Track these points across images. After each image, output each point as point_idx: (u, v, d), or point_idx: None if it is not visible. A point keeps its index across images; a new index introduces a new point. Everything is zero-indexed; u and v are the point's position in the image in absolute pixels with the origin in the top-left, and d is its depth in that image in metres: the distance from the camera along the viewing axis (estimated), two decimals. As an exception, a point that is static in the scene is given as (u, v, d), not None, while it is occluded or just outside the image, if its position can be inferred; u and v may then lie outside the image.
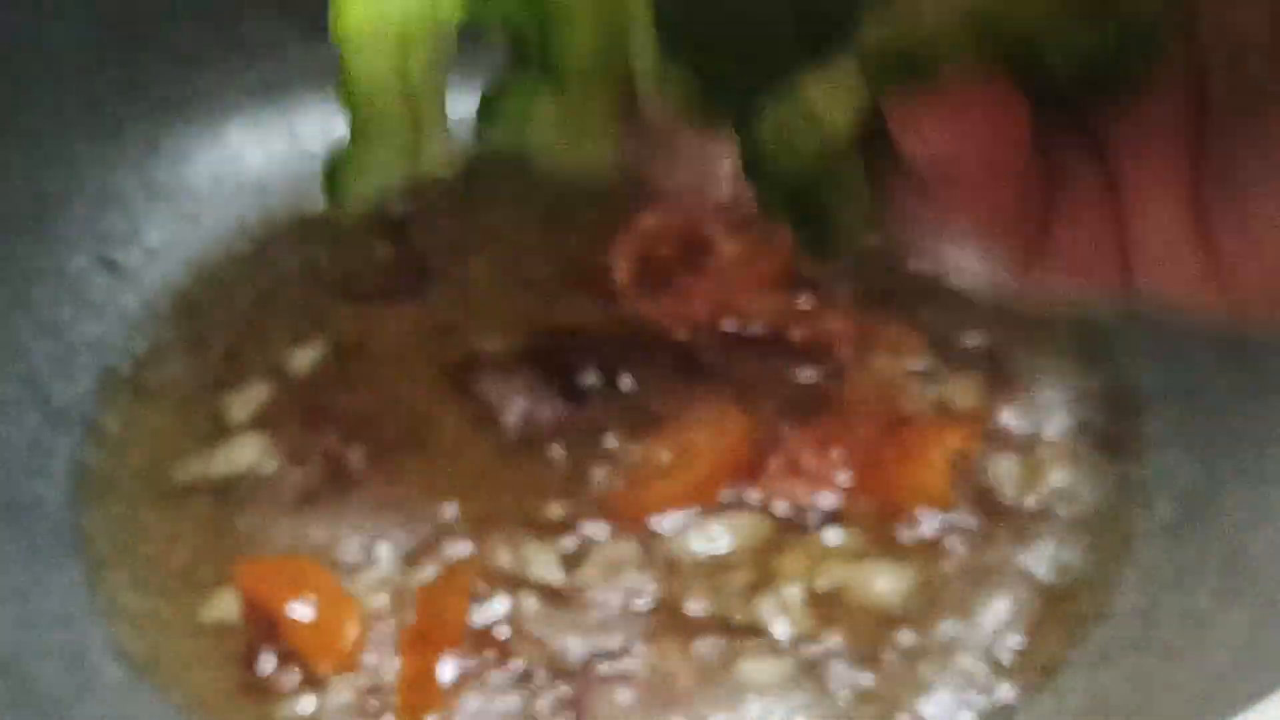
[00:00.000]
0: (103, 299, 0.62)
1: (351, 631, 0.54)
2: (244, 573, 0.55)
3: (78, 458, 0.59)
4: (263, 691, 0.53)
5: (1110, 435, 0.57)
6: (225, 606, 0.55)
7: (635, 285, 0.61)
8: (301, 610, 0.54)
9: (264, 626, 0.54)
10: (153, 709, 0.53)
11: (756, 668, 0.53)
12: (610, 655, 0.53)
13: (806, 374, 0.59)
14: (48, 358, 0.60)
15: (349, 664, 0.53)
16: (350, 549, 0.56)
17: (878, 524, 0.55)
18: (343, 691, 0.53)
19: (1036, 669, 0.52)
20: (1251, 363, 0.56)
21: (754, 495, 0.56)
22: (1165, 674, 0.50)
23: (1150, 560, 0.54)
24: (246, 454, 0.58)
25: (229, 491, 0.58)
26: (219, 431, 0.59)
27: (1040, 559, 0.55)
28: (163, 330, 0.62)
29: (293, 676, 0.53)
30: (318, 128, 0.66)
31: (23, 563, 0.56)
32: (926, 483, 0.56)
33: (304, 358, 0.61)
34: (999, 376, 0.59)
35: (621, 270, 0.61)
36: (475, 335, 0.61)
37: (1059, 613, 0.54)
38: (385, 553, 0.55)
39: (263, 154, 0.66)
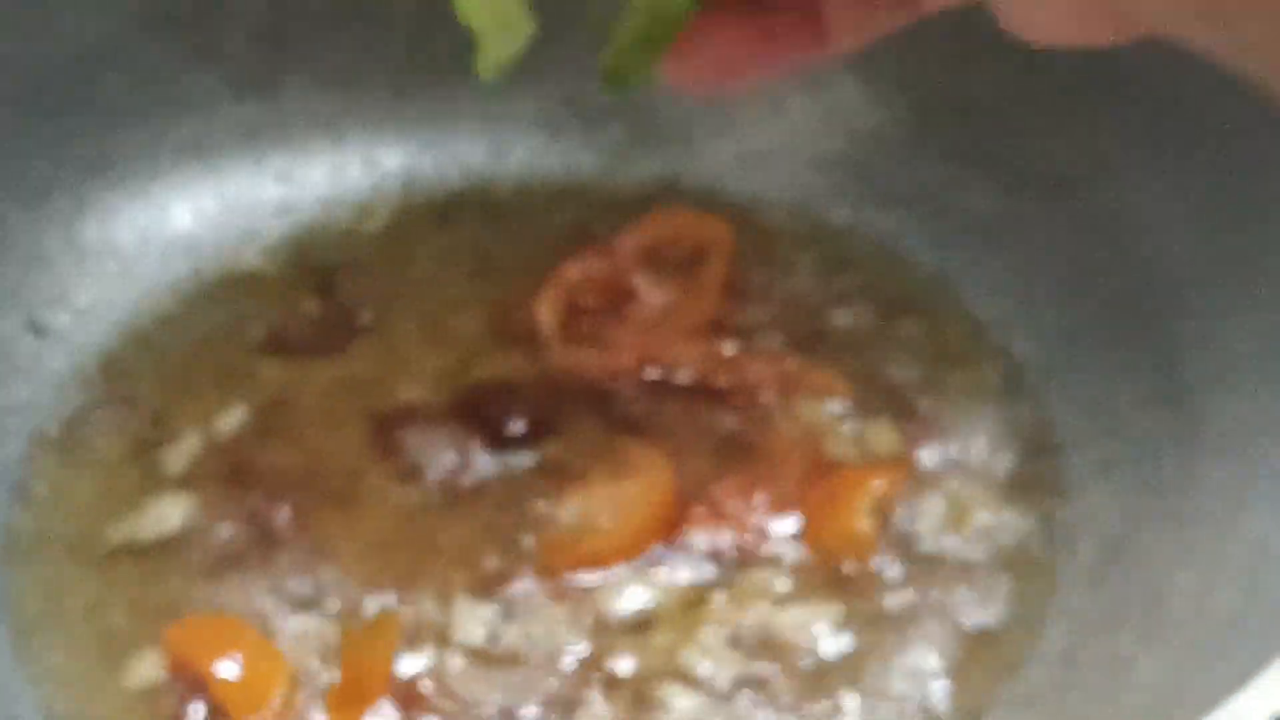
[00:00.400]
0: (31, 361, 0.62)
1: (279, 690, 0.53)
2: (171, 632, 0.55)
3: (5, 520, 0.58)
4: (189, 752, 0.53)
5: (1033, 477, 0.57)
6: (152, 667, 0.55)
7: (560, 336, 0.61)
8: (228, 669, 0.54)
9: (191, 686, 0.54)
10: (81, 772, 0.53)
11: (684, 717, 0.53)
12: (536, 713, 0.53)
13: (731, 421, 0.59)
14: (-26, 421, 0.60)
15: (276, 723, 0.53)
16: (277, 607, 0.55)
17: (802, 570, 0.55)
18: (268, 751, 0.53)
19: (962, 713, 0.52)
20: (1173, 403, 0.56)
21: (680, 545, 0.56)
22: (1089, 716, 0.50)
23: (1073, 603, 0.54)
24: (174, 515, 0.58)
25: (157, 552, 0.57)
26: (147, 492, 0.59)
27: (964, 603, 0.55)
28: (91, 392, 0.62)
29: (219, 737, 0.53)
30: (246, 185, 0.66)
31: (-50, 627, 0.56)
32: (851, 528, 0.56)
33: (231, 416, 0.60)
34: (921, 420, 0.59)
35: (546, 321, 0.61)
36: (402, 389, 0.61)
37: (984, 657, 0.53)
38: (312, 610, 0.55)
39: (191, 212, 0.65)
